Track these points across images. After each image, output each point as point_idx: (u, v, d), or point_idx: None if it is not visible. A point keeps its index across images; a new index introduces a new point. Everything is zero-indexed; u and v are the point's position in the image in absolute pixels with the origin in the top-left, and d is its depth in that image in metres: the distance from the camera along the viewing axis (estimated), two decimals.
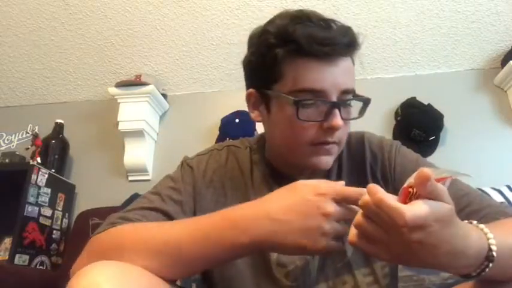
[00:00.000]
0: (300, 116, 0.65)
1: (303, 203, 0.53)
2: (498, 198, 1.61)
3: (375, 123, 2.02)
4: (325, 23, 0.66)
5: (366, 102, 0.71)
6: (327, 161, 0.69)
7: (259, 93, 0.73)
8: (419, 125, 1.90)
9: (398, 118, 2.00)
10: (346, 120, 0.68)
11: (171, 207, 0.69)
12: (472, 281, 0.57)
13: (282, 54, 0.66)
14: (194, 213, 0.72)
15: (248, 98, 0.75)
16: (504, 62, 1.96)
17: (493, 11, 1.91)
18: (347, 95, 0.68)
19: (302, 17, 0.66)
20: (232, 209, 0.57)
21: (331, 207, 0.52)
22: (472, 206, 0.66)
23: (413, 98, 2.00)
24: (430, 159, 1.87)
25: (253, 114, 0.76)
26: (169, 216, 0.68)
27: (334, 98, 0.66)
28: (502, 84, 2.01)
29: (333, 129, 0.65)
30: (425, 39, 2.02)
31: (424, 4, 1.91)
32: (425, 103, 1.96)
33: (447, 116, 1.94)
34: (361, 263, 0.71)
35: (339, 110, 0.65)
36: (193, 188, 0.74)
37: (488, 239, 0.48)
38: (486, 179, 1.76)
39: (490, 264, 0.48)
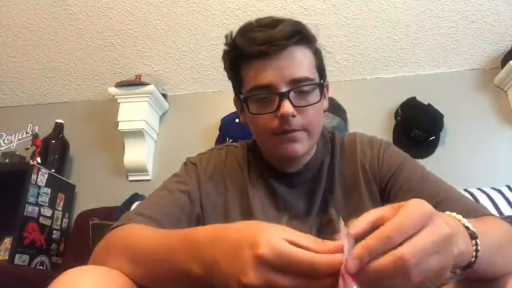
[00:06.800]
0: (252, 109, 0.74)
1: (242, 240, 0.41)
2: (498, 198, 1.61)
3: (375, 123, 2.03)
4: (269, 26, 0.72)
5: (319, 86, 0.74)
6: (293, 148, 0.73)
7: (238, 99, 0.81)
8: (419, 125, 1.90)
9: (398, 118, 2.00)
10: (300, 107, 0.71)
11: (179, 199, 0.75)
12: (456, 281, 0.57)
13: (234, 62, 0.76)
14: (201, 204, 0.77)
15: (234, 104, 0.85)
16: (504, 62, 1.96)
17: (493, 11, 1.91)
18: (299, 84, 0.71)
19: (247, 26, 0.74)
20: (195, 231, 0.49)
21: (267, 244, 0.38)
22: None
23: (413, 98, 2.00)
24: (430, 159, 1.89)
25: (241, 118, 0.84)
26: (180, 207, 0.73)
27: (283, 89, 0.70)
28: (502, 84, 2.01)
29: (283, 117, 0.70)
30: (425, 39, 2.02)
31: (424, 4, 1.91)
32: (425, 103, 1.96)
33: (447, 116, 1.94)
34: None
35: (288, 99, 0.70)
36: (197, 180, 0.80)
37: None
38: (486, 179, 1.76)
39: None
